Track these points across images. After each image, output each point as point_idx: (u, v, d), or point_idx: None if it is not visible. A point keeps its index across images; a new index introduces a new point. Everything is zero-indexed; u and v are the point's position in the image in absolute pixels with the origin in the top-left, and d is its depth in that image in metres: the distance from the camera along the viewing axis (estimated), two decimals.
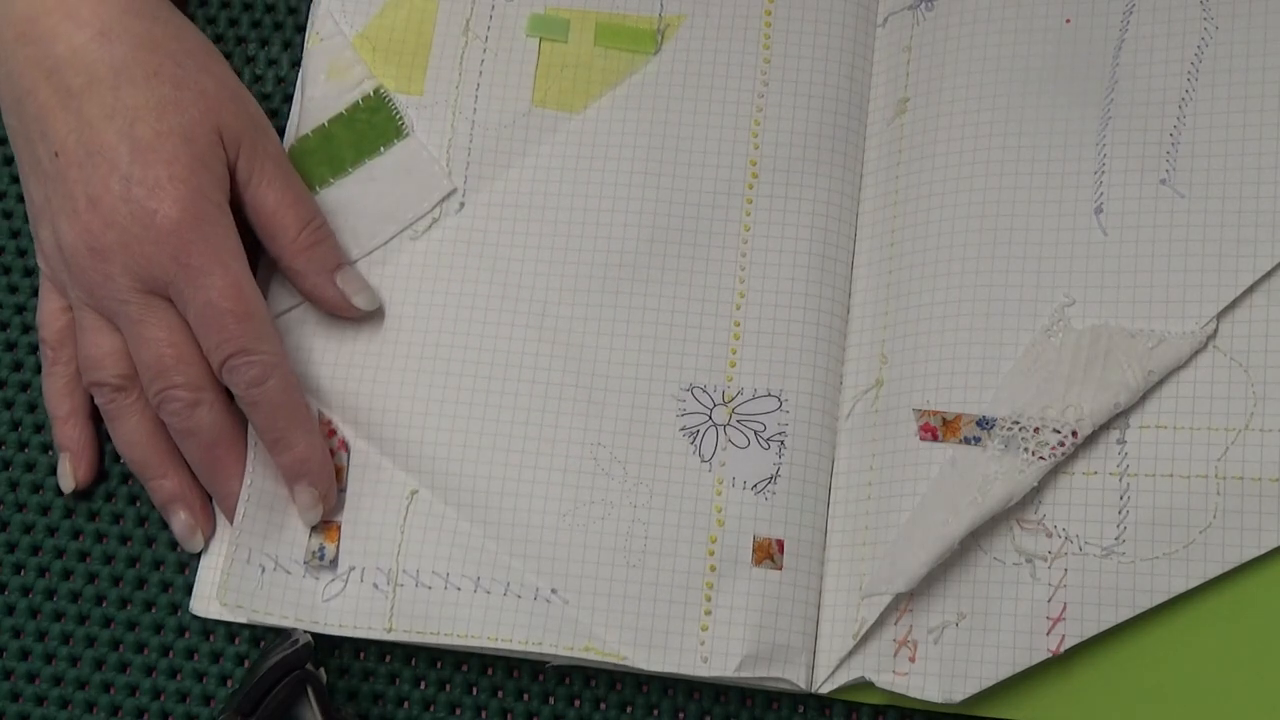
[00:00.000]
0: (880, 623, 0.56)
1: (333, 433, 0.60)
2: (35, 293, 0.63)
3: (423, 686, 0.59)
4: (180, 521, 0.59)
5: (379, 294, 0.61)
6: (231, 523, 0.58)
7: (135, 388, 0.58)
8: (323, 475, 0.58)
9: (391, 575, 0.58)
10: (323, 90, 0.63)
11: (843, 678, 0.56)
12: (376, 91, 0.63)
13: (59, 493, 0.61)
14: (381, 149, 0.63)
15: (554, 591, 0.58)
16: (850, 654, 0.56)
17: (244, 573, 0.58)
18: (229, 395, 0.58)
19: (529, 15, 0.64)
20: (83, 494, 0.61)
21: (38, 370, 0.63)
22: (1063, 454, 0.55)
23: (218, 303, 0.55)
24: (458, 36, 0.64)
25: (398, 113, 0.63)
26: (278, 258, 0.60)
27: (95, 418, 0.61)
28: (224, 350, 0.56)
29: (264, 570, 0.58)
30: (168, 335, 0.56)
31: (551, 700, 0.59)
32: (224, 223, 0.57)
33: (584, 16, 0.64)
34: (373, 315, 0.61)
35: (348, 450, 0.60)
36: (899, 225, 0.61)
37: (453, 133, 0.63)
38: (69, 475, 0.60)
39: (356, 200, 0.62)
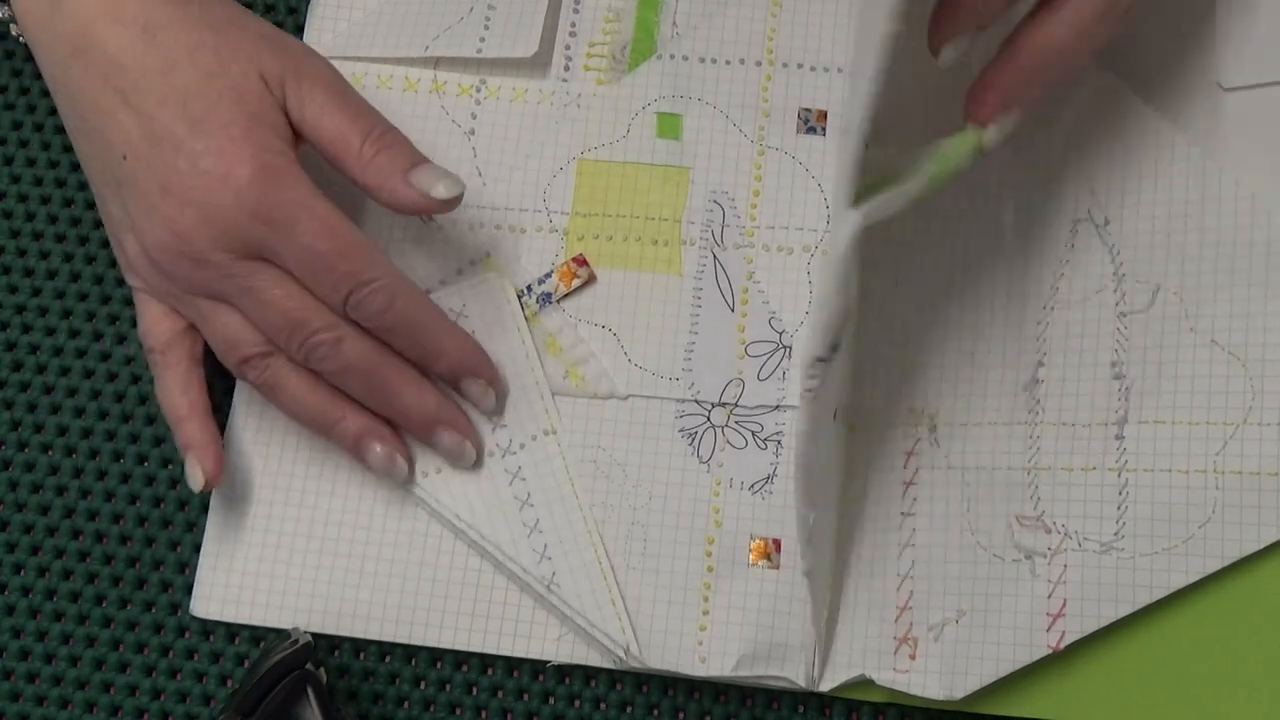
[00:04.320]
0: (881, 620, 0.56)
1: None
2: (35, 292, 0.64)
3: (423, 686, 0.59)
4: (376, 456, 0.58)
5: (461, 181, 0.58)
6: (424, 438, 0.59)
7: (278, 350, 0.57)
8: (484, 363, 0.59)
9: None
10: None
11: (843, 676, 0.56)
12: None
13: (59, 492, 0.61)
14: None
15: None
16: (850, 652, 0.57)
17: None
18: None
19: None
20: (84, 493, 0.61)
21: (39, 370, 0.63)
22: (809, 388, 0.51)
23: (314, 247, 0.55)
24: None
25: None
26: (352, 181, 0.58)
27: (214, 414, 0.60)
28: (341, 290, 0.56)
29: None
30: (283, 291, 0.56)
31: (551, 700, 0.59)
32: (293, 170, 0.56)
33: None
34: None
35: None
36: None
37: None
38: (197, 472, 0.58)
39: None
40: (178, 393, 0.59)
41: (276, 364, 0.57)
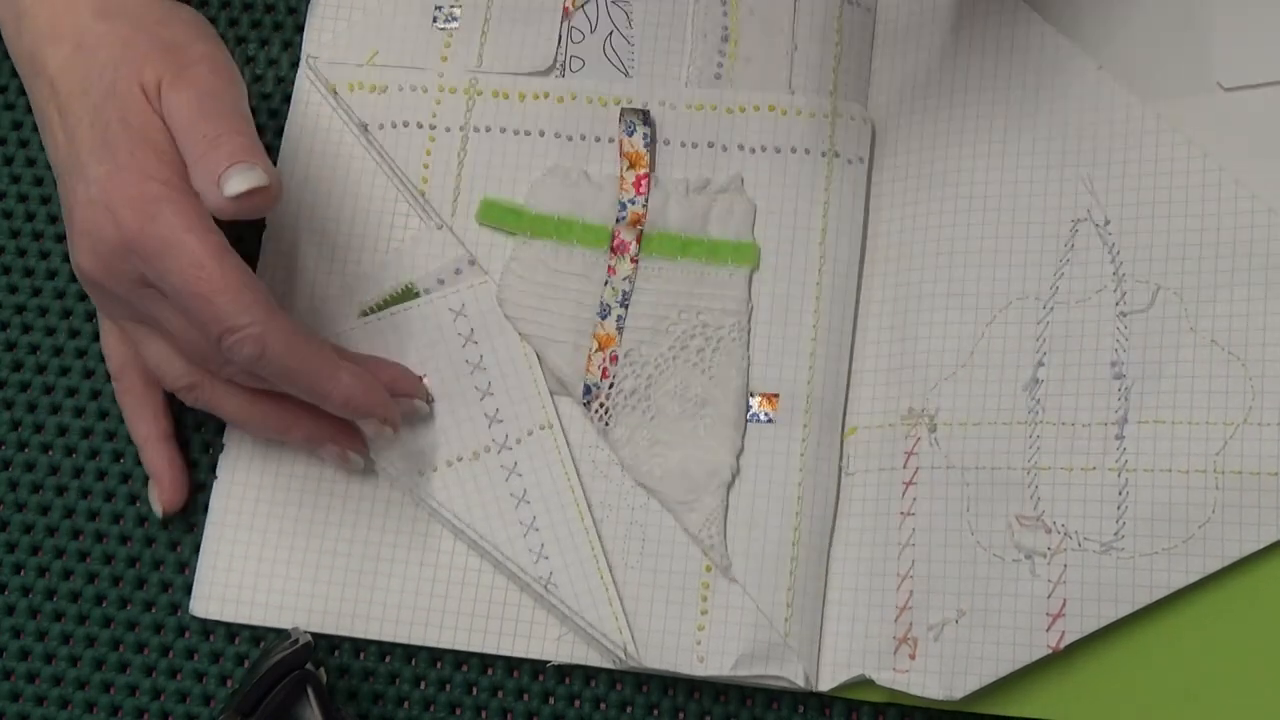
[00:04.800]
0: (880, 620, 0.56)
1: None
2: (35, 292, 0.64)
3: (423, 686, 0.59)
4: (331, 454, 0.59)
5: (263, 173, 0.52)
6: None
7: (206, 374, 0.56)
8: (373, 403, 0.56)
9: None
10: None
11: (843, 676, 0.56)
12: None
13: (59, 492, 0.61)
14: None
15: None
16: (850, 652, 0.56)
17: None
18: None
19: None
20: (84, 493, 0.61)
21: (39, 370, 0.63)
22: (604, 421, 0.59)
23: (182, 289, 0.52)
24: None
25: None
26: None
27: (177, 438, 0.61)
28: (210, 334, 0.52)
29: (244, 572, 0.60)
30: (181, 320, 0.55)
31: (551, 700, 0.59)
32: (173, 198, 0.52)
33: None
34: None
35: None
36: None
37: None
38: (155, 501, 0.60)
39: None
40: (135, 419, 0.60)
41: (206, 391, 0.57)
